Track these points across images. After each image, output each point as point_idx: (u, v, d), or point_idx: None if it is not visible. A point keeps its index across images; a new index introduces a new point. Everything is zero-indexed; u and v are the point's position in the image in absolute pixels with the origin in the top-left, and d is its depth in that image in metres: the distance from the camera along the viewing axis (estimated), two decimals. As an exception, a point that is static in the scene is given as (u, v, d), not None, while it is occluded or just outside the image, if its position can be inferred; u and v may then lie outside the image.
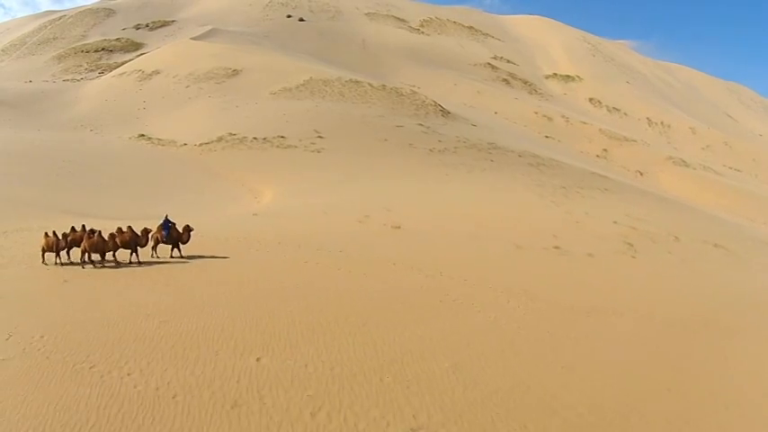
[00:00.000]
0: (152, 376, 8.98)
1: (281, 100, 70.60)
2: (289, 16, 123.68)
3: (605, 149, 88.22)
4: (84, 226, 17.76)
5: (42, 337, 10.72)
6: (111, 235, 17.52)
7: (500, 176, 45.98)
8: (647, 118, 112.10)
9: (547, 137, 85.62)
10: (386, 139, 56.69)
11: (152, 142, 58.86)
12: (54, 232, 16.94)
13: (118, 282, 15.07)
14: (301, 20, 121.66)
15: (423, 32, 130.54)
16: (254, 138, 56.22)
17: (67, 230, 17.56)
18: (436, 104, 74.50)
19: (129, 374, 9.05)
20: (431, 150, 54.05)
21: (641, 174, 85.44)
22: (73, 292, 13.56)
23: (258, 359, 9.63)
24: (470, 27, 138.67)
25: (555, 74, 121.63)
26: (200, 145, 55.78)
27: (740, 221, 57.70)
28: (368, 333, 10.94)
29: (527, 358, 10.21)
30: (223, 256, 17.31)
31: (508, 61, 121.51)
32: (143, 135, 60.52)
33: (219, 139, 56.64)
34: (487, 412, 8.24)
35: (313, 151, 52.52)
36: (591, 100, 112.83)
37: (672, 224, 34.35)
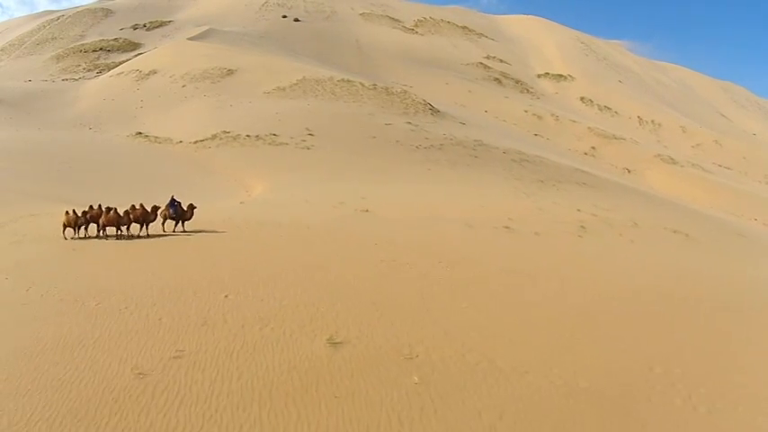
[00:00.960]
0: (143, 308, 11.71)
1: (274, 99, 73.31)
2: (284, 17, 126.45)
3: (593, 147, 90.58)
4: (100, 205, 20.48)
5: (56, 287, 13.44)
6: (126, 212, 20.27)
7: (481, 171, 48.38)
8: (638, 116, 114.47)
9: (536, 135, 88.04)
10: (374, 137, 59.16)
11: (149, 140, 61.50)
12: (74, 210, 19.65)
13: (120, 248, 17.89)
14: (297, 20, 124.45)
15: (417, 32, 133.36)
16: (247, 135, 58.74)
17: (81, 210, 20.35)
18: (426, 103, 77.05)
19: (126, 308, 11.78)
20: (417, 147, 56.43)
21: (629, 171, 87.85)
22: (80, 257, 16.28)
23: (226, 296, 12.43)
24: (464, 27, 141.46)
25: (547, 73, 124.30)
26: (196, 142, 58.39)
27: (723, 217, 60.07)
28: (313, 280, 13.75)
29: (438, 300, 12.86)
30: (211, 231, 20.15)
31: (501, 61, 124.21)
32: (140, 133, 63.14)
33: (214, 137, 59.24)
34: (394, 331, 10.91)
35: (303, 148, 54.95)
36: (582, 99, 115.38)
37: (637, 213, 36.65)
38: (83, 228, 19.91)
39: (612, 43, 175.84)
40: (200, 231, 20.13)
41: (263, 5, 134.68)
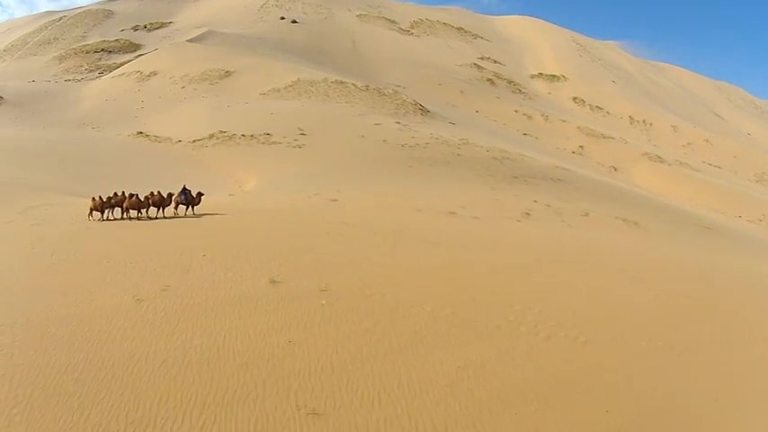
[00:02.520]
0: (143, 263, 15.70)
1: (269, 100, 77.55)
2: (282, 18, 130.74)
3: (582, 146, 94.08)
4: (123, 191, 24.40)
5: (74, 254, 17.49)
6: (146, 197, 24.36)
7: (460, 168, 52.17)
8: (630, 116, 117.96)
9: (525, 134, 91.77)
10: (363, 136, 63.10)
11: (150, 139, 65.73)
12: (100, 196, 23.55)
13: (128, 226, 22.08)
14: (294, 21, 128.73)
15: (412, 34, 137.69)
16: (243, 135, 62.92)
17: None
18: (416, 103, 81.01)
19: (129, 263, 15.77)
20: (402, 146, 60.23)
21: (615, 169, 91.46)
22: (94, 233, 20.31)
23: (204, 255, 16.50)
24: (460, 28, 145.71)
25: (540, 73, 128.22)
26: (194, 141, 62.61)
27: (698, 212, 63.69)
28: (269, 244, 17.89)
29: (359, 257, 16.93)
30: (202, 215, 24.38)
31: (495, 61, 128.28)
32: (141, 132, 67.35)
33: (211, 137, 63.44)
34: (319, 274, 14.98)
35: (295, 147, 58.98)
36: (574, 99, 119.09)
37: (595, 205, 40.19)
38: (108, 211, 23.82)
39: (608, 44, 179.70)
40: (201, 215, 24.43)
41: (261, 7, 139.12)
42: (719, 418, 10.82)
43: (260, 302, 12.93)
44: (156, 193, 24.77)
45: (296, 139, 61.00)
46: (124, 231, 20.70)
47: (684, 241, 34.35)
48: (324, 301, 13.15)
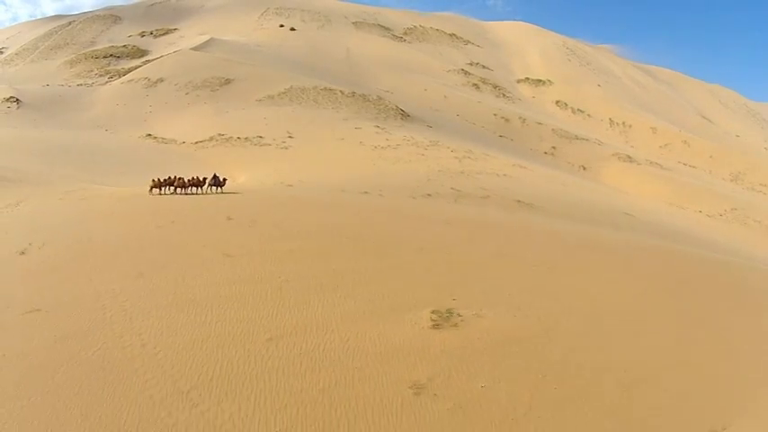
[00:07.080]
0: (161, 213, 28.23)
1: (263, 106, 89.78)
2: (281, 26, 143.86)
3: (554, 147, 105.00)
4: (175, 175, 35.47)
5: (116, 210, 30.11)
6: (189, 179, 35.60)
7: (418, 165, 63.61)
8: (610, 119, 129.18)
9: (501, 136, 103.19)
10: (342, 139, 74.96)
11: (157, 141, 77.90)
12: (159, 177, 34.55)
13: (155, 199, 34.65)
14: (292, 29, 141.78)
15: (405, 40, 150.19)
16: (238, 137, 75.10)
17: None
18: (398, 109, 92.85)
19: (154, 212, 28.36)
20: (375, 147, 71.75)
21: (584, 168, 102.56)
22: (127, 202, 32.95)
23: (192, 209, 29.14)
24: (452, 34, 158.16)
25: (527, 78, 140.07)
26: (196, 143, 74.73)
27: (629, 203, 74.70)
28: (235, 205, 30.36)
29: (285, 210, 29.50)
30: (225, 193, 36.56)
31: (483, 67, 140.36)
32: (149, 135, 79.48)
33: (211, 139, 75.62)
34: (255, 215, 27.45)
35: (282, 148, 70.84)
36: (557, 102, 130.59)
37: (507, 192, 51.29)
38: (163, 188, 34.59)
39: (601, 48, 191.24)
40: (223, 193, 36.51)
41: (261, 14, 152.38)
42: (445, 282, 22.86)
43: (218, 226, 24.93)
44: (195, 177, 36.33)
45: (284, 141, 73.03)
46: (147, 202, 33.18)
47: (568, 218, 45.62)
48: (251, 226, 25.60)
